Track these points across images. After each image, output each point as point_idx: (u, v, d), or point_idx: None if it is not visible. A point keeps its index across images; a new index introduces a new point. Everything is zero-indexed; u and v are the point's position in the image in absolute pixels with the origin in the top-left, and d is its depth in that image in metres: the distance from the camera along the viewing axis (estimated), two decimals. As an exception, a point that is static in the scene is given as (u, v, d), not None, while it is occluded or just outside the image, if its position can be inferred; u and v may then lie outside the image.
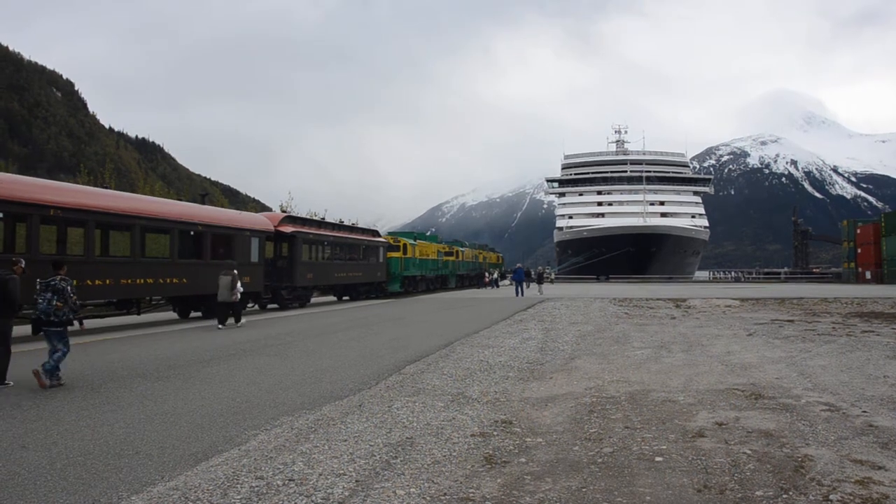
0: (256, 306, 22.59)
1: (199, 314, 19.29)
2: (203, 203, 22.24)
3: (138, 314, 16.75)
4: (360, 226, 33.74)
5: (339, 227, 29.66)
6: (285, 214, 25.73)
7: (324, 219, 34.81)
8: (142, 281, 16.09)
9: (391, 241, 34.43)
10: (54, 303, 7.72)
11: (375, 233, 33.99)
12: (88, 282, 14.30)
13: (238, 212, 23.88)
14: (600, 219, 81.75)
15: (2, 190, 12.59)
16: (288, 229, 23.22)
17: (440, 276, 42.56)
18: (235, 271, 16.60)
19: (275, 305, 23.30)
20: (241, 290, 16.38)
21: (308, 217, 32.28)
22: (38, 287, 7.88)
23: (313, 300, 27.61)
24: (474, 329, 14.61)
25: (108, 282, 14.91)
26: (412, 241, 36.66)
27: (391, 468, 4.55)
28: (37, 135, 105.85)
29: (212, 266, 18.42)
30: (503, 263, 73.39)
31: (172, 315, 19.54)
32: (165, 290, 17.16)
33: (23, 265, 8.55)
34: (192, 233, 18.23)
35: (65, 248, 15.81)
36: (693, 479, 4.28)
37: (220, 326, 15.49)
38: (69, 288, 7.88)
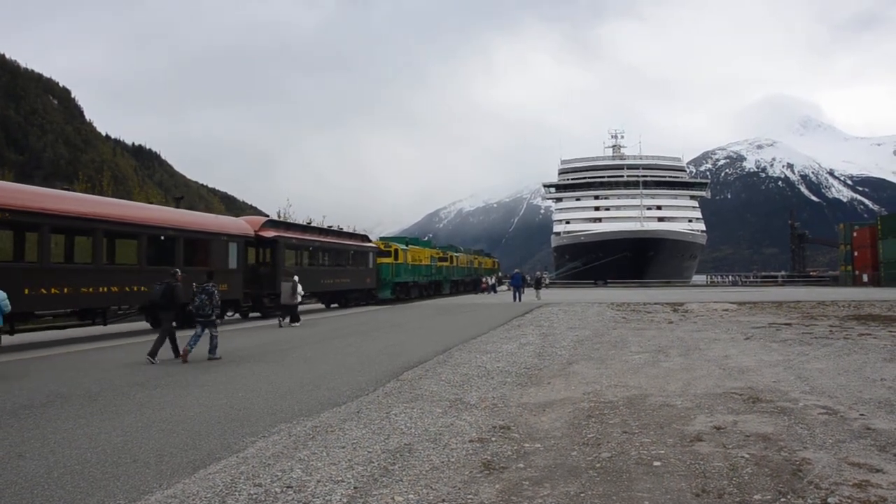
0: (237, 315, 21.92)
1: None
2: (178, 207, 21.55)
3: (104, 324, 15.84)
4: (348, 230, 33.03)
5: (326, 231, 28.97)
6: (267, 218, 25.16)
7: (310, 222, 34.47)
8: (105, 289, 15.06)
9: (381, 247, 33.24)
10: (206, 302, 10.87)
11: (365, 237, 33.08)
12: (43, 290, 13.38)
13: (214, 216, 23.11)
14: (597, 224, 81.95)
15: None
16: (269, 234, 22.40)
17: (434, 283, 41.45)
18: (296, 277, 18.21)
19: (257, 314, 22.43)
20: (303, 293, 18.94)
21: (292, 221, 31.88)
22: (194, 289, 11.07)
23: (299, 308, 27.24)
24: (472, 335, 14.59)
25: (66, 290, 13.97)
26: (403, 247, 35.48)
27: (389, 474, 4.54)
28: (33, 143, 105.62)
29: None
30: (499, 269, 73.28)
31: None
32: (133, 299, 16.17)
33: (180, 275, 11.52)
34: (162, 238, 17.40)
35: (22, 253, 14.85)
36: (691, 483, 4.28)
37: (281, 325, 17.92)
38: (216, 292, 11.09)
